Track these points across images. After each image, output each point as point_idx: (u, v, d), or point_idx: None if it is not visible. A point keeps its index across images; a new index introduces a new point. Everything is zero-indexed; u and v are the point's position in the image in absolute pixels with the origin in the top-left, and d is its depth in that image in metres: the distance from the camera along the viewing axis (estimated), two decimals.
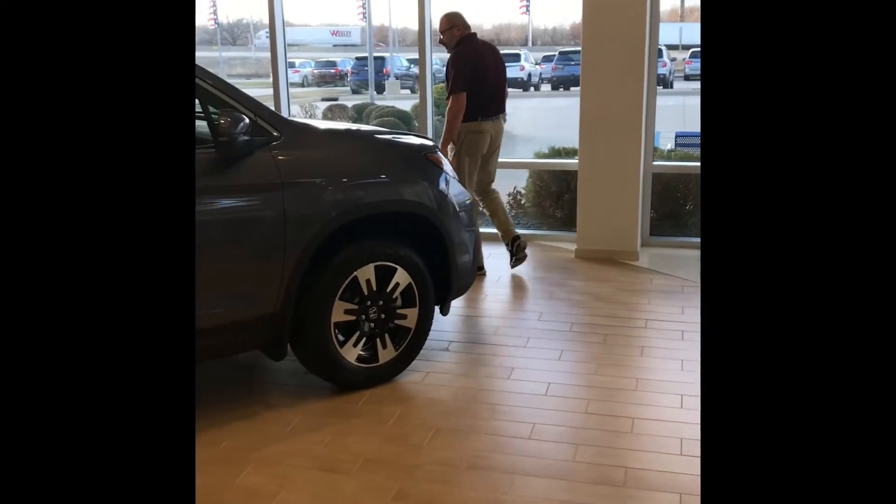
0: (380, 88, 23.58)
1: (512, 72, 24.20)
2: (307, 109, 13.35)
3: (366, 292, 3.35)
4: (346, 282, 3.28)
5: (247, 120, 2.92)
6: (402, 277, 3.43)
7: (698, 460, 2.87)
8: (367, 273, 3.33)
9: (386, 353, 3.46)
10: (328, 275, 3.22)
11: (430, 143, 3.81)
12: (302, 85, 26.57)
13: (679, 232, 5.96)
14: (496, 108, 5.03)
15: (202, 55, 36.44)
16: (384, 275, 3.39)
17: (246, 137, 2.92)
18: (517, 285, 4.98)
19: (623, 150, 5.23)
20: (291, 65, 30.52)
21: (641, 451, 2.90)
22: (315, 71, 28.75)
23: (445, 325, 4.16)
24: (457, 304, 4.36)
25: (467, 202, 3.79)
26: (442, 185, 3.59)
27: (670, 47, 25.22)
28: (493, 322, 4.29)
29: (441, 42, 5.04)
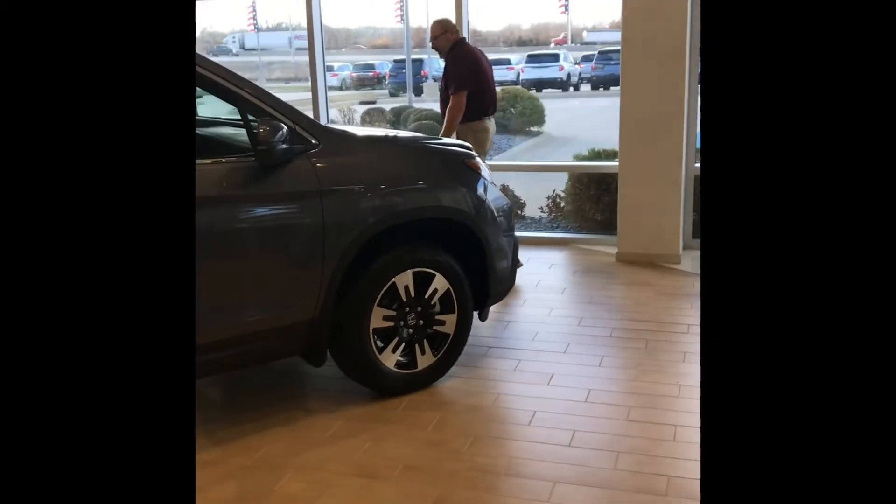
0: (418, 91, 23.62)
1: (551, 72, 24.03)
2: (345, 113, 13.43)
3: (404, 298, 3.35)
4: (385, 288, 3.28)
5: (285, 128, 2.94)
6: (440, 283, 3.42)
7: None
8: (405, 279, 3.33)
9: (424, 359, 3.46)
10: (366, 281, 3.23)
11: (468, 148, 3.80)
12: (340, 88, 26.75)
13: None
14: (494, 108, 5.25)
15: (242, 60, 36.96)
16: (422, 281, 3.39)
17: (285, 146, 2.94)
18: (557, 290, 4.94)
19: (664, 152, 5.15)
20: (330, 68, 30.79)
21: (684, 459, 2.85)
22: (353, 74, 28.92)
23: (484, 330, 4.14)
24: (496, 309, 4.34)
25: (505, 207, 3.77)
26: (480, 191, 3.58)
27: None
28: (533, 327, 4.26)
29: (434, 47, 5.17)
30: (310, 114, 6.43)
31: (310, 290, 3.08)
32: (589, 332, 4.14)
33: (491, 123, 5.22)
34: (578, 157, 6.79)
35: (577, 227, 6.49)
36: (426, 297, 3.41)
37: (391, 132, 4.14)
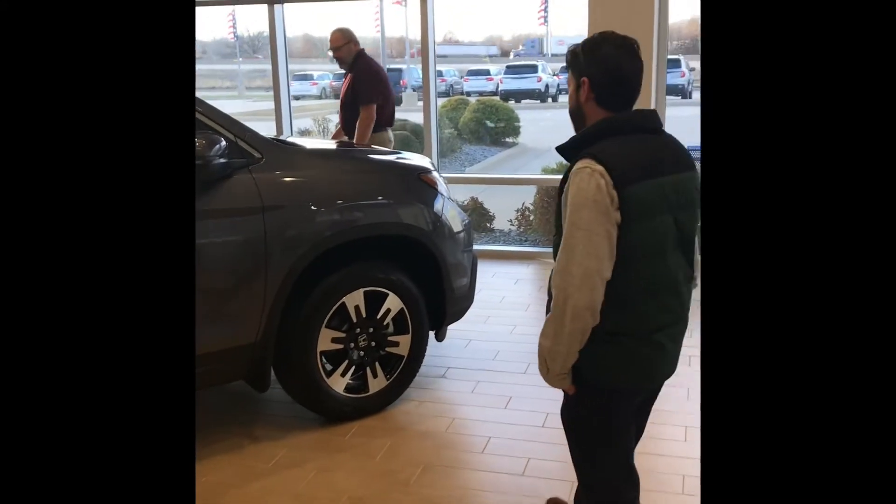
0: (397, 101, 23.49)
1: (529, 83, 23.89)
2: (320, 122, 13.27)
3: (355, 319, 3.21)
4: (334, 308, 3.14)
5: (223, 142, 2.79)
6: (393, 303, 3.28)
7: (698, 499, 2.69)
8: (356, 299, 3.19)
9: (376, 383, 3.31)
10: (314, 301, 3.08)
11: (424, 162, 3.66)
12: (320, 97, 26.57)
13: None
14: (393, 119, 5.29)
15: (221, 67, 36.67)
16: (374, 300, 3.25)
17: (223, 160, 2.79)
18: (521, 306, 4.81)
19: None
20: (310, 77, 30.65)
21: (642, 489, 2.71)
22: (333, 83, 28.75)
23: (443, 349, 4.00)
24: (457, 327, 4.19)
25: (465, 222, 3.65)
26: (437, 206, 3.45)
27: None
28: (494, 346, 4.13)
29: (336, 57, 5.09)
30: (272, 125, 6.31)
31: (251, 312, 2.93)
32: None
33: (391, 135, 5.25)
34: (547, 171, 6.67)
35: (545, 240, 6.38)
36: (378, 317, 3.26)
37: (343, 146, 4.00)
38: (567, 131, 1.88)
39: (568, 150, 1.81)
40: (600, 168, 1.67)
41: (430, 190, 3.46)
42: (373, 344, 3.28)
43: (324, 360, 3.17)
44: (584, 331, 1.73)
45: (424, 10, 5.72)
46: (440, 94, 19.84)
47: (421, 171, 3.50)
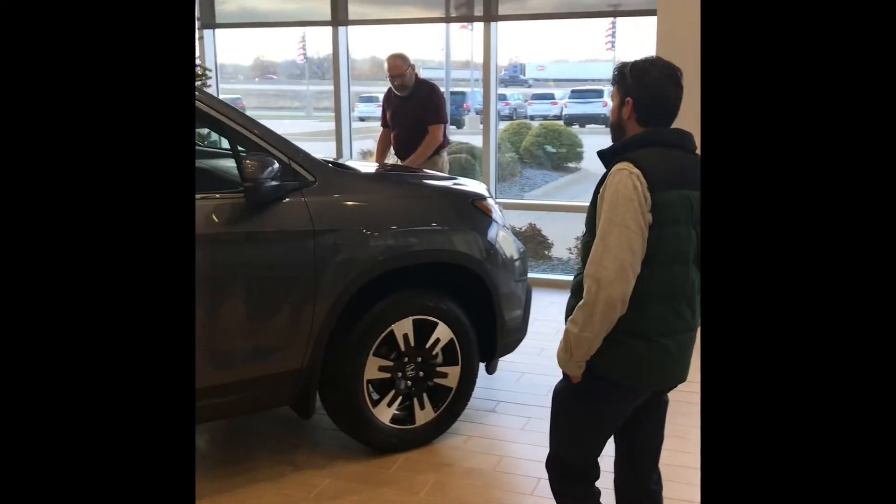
0: (459, 124, 23.53)
1: (594, 107, 23.60)
2: None
3: (403, 348, 3.12)
4: (382, 336, 3.06)
5: (276, 164, 2.75)
6: (443, 332, 3.18)
7: None
8: (404, 327, 3.10)
9: (423, 415, 3.21)
10: (362, 328, 3.01)
11: (480, 189, 3.57)
12: None
13: None
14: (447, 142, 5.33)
15: (291, 88, 37.45)
16: (424, 329, 3.15)
17: (275, 182, 2.75)
18: None
19: None
20: (374, 99, 31.01)
21: None
22: None
23: (495, 383, 3.87)
24: (509, 359, 4.06)
25: (520, 251, 3.53)
26: (491, 234, 3.34)
27: None
28: (549, 381, 3.92)
29: (399, 84, 5.04)
30: (333, 146, 6.32)
31: (298, 337, 2.87)
32: None
33: (446, 158, 5.31)
34: None
35: None
36: (427, 346, 3.17)
37: (399, 170, 3.93)
38: None
39: (608, 156, 1.94)
40: (637, 171, 1.82)
41: (485, 217, 3.35)
42: (421, 374, 3.18)
43: (370, 388, 3.09)
44: (613, 321, 1.84)
45: (488, 35, 5.66)
46: (504, 118, 19.74)
47: (475, 198, 3.40)
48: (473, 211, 3.35)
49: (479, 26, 5.80)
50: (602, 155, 1.97)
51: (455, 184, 3.61)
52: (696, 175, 1.86)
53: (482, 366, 3.43)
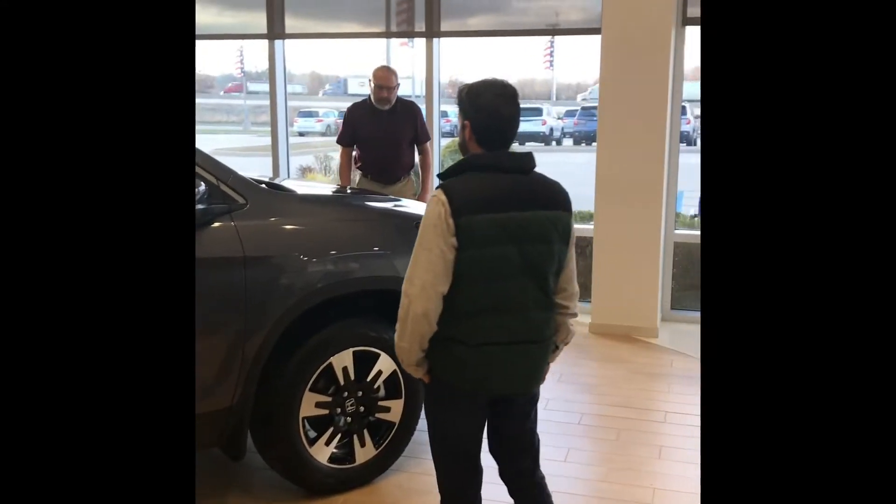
0: None
1: (534, 125, 23.78)
2: (322, 160, 13.10)
3: (342, 382, 2.92)
4: (320, 370, 2.85)
5: (202, 185, 2.54)
6: (385, 364, 3.00)
7: None
8: (344, 360, 2.90)
9: (364, 452, 3.01)
10: (297, 362, 2.80)
11: (422, 210, 3.38)
12: (324, 134, 26.49)
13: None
14: None
15: (228, 102, 36.77)
16: (365, 361, 2.96)
17: (200, 206, 2.53)
18: None
19: (642, 216, 4.80)
20: (314, 114, 30.68)
21: None
22: (339, 120, 28.70)
23: None
24: None
25: None
26: None
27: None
28: None
29: (386, 97, 4.74)
30: (269, 161, 6.08)
31: (227, 373, 2.65)
32: (556, 418, 3.70)
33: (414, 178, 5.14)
34: None
35: None
36: (368, 380, 2.98)
37: (339, 191, 3.74)
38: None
39: (441, 178, 2.08)
40: (444, 198, 1.96)
41: None
42: (362, 409, 2.99)
43: (307, 426, 2.88)
44: (422, 334, 2.00)
45: (430, 51, 5.53)
46: (445, 135, 19.70)
47: (419, 220, 3.22)
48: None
49: (420, 43, 5.67)
50: (440, 177, 2.10)
51: (397, 205, 3.45)
52: (523, 196, 1.99)
53: None
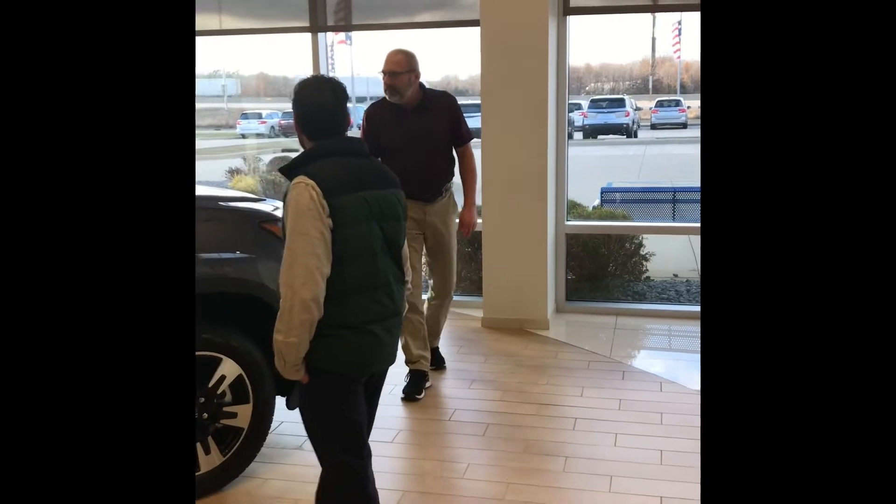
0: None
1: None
2: (250, 162, 12.92)
3: None
4: None
5: None
6: (229, 369, 2.92)
7: None
8: None
9: (209, 460, 2.92)
10: None
11: (268, 208, 3.28)
12: (269, 136, 26.13)
13: (600, 296, 5.50)
14: None
15: None
16: (206, 367, 2.88)
17: None
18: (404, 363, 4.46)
19: (529, 209, 4.77)
20: (258, 115, 30.31)
21: None
22: (282, 122, 28.33)
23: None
24: None
25: None
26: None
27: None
28: None
29: (395, 84, 3.71)
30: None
31: None
32: (426, 416, 3.66)
33: None
34: None
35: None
36: (210, 385, 2.89)
37: (215, 192, 3.62)
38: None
39: (288, 172, 2.10)
40: (312, 182, 2.01)
41: (276, 241, 3.11)
42: (205, 416, 2.91)
43: None
44: (312, 322, 2.00)
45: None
46: None
47: (264, 219, 3.15)
48: (263, 234, 3.10)
49: (358, 40, 5.50)
50: (283, 171, 2.12)
51: (249, 204, 3.35)
52: (372, 176, 2.12)
53: (283, 401, 3.18)
